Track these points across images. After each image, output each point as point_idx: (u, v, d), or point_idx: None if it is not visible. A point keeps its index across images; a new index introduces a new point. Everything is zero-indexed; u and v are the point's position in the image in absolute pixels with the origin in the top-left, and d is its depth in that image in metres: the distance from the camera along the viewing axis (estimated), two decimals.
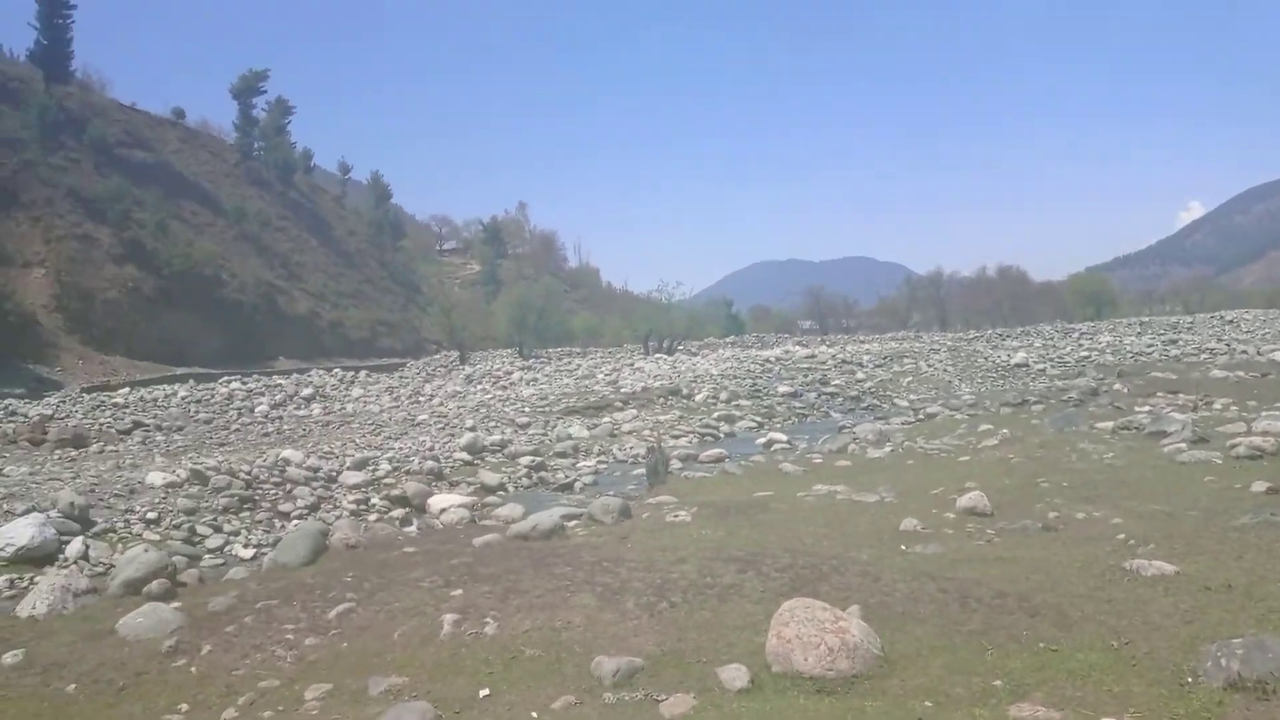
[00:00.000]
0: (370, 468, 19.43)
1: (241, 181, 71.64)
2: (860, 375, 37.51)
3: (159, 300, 51.15)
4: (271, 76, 76.72)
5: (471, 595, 7.28)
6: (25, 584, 12.35)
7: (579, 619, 6.72)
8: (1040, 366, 37.17)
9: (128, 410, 31.11)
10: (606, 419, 27.32)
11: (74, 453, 22.25)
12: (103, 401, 32.90)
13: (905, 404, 30.17)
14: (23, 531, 13.40)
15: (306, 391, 37.52)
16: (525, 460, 20.65)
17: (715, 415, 27.86)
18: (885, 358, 42.55)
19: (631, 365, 48.06)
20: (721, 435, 25.48)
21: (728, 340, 70.80)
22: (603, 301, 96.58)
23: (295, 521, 15.45)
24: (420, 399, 35.54)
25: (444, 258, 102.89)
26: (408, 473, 19.23)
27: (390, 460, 20.21)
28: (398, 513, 16.39)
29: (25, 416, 27.35)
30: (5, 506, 15.39)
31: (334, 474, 18.88)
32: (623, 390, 33.78)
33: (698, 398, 31.94)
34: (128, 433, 26.47)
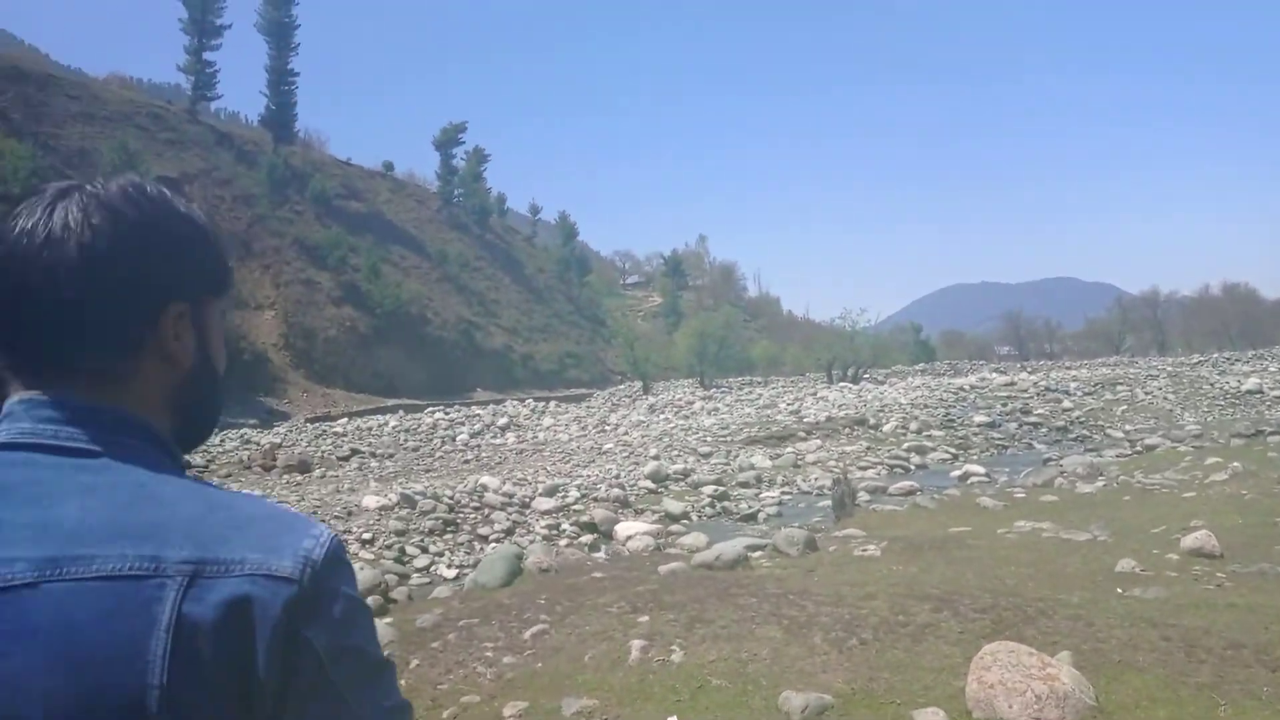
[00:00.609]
0: (560, 494, 20.11)
1: (443, 226, 76.79)
2: (1067, 404, 35.09)
3: (372, 337, 55.49)
4: (469, 127, 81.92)
5: (658, 622, 7.37)
6: None
7: (765, 651, 6.65)
8: (1277, 393, 33.41)
9: (346, 439, 33.80)
10: (790, 449, 26.97)
11: (299, 477, 24.43)
12: (324, 431, 35.93)
13: (1119, 435, 27.93)
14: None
15: (502, 421, 39.37)
16: (708, 489, 20.72)
17: (905, 446, 26.88)
18: (1095, 385, 39.58)
19: (814, 394, 47.23)
20: (912, 467, 24.54)
21: (917, 368, 68.22)
22: (783, 330, 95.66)
23: (493, 544, 16.22)
24: (606, 428, 36.45)
25: (627, 291, 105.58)
26: (595, 500, 19.76)
27: (579, 488, 20.84)
28: (586, 538, 16.88)
29: (258, 444, 30.30)
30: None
31: (527, 500, 19.69)
32: (806, 420, 33.25)
33: (886, 428, 30.93)
34: (346, 459, 28.76)
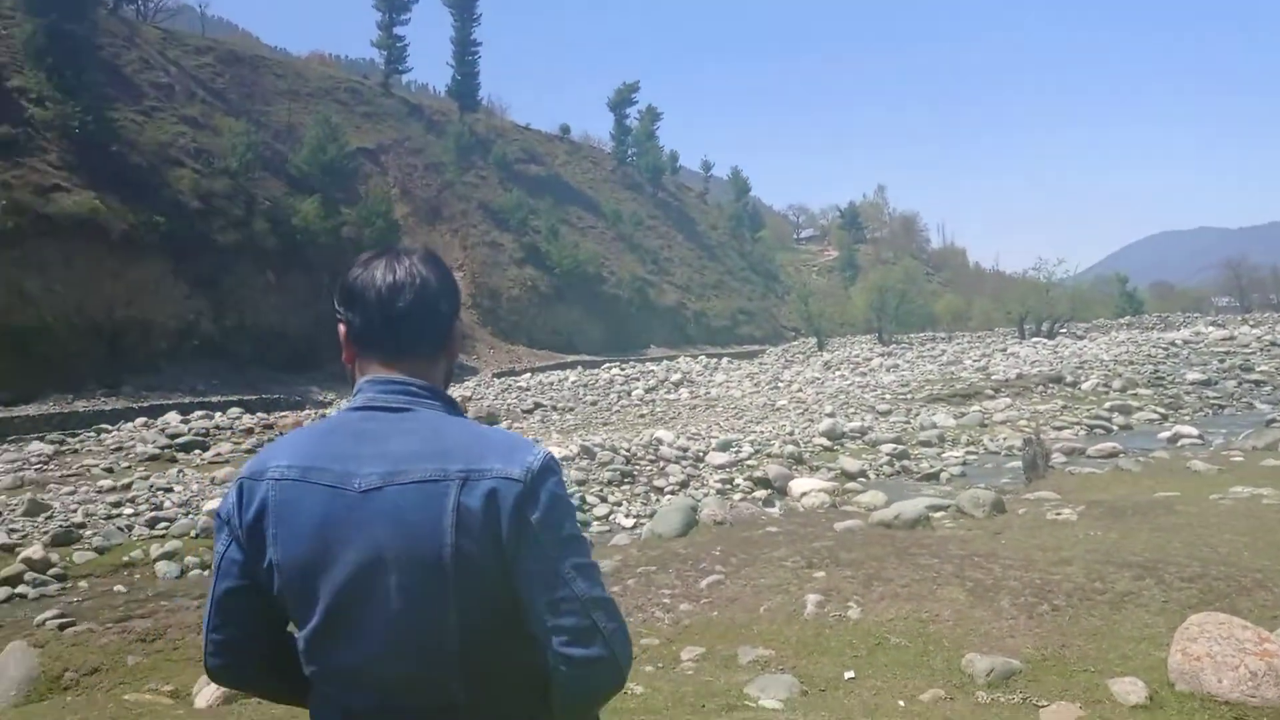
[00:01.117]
0: (734, 450, 20.23)
1: (617, 186, 77.93)
2: None
3: (552, 296, 57.44)
4: (642, 87, 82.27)
5: (834, 578, 7.33)
6: None
7: (947, 613, 6.49)
8: None
9: (529, 393, 35.35)
10: (975, 407, 25.79)
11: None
12: (510, 385, 37.73)
13: None
14: None
15: (675, 377, 39.87)
16: (886, 448, 20.21)
17: (1107, 405, 25.08)
18: None
19: (1004, 350, 44.79)
20: (1114, 428, 22.90)
21: (1122, 321, 63.22)
22: (970, 282, 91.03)
23: (668, 496, 16.59)
24: (779, 385, 36.16)
25: (801, 246, 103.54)
26: (769, 456, 19.74)
27: (752, 443, 20.87)
28: (760, 494, 16.92)
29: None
30: None
31: (701, 454, 19.94)
32: (994, 377, 31.64)
33: (1085, 385, 28.97)
34: (530, 412, 30.13)
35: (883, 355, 47.03)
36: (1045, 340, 50.26)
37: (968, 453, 20.40)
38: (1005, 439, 21.54)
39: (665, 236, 75.92)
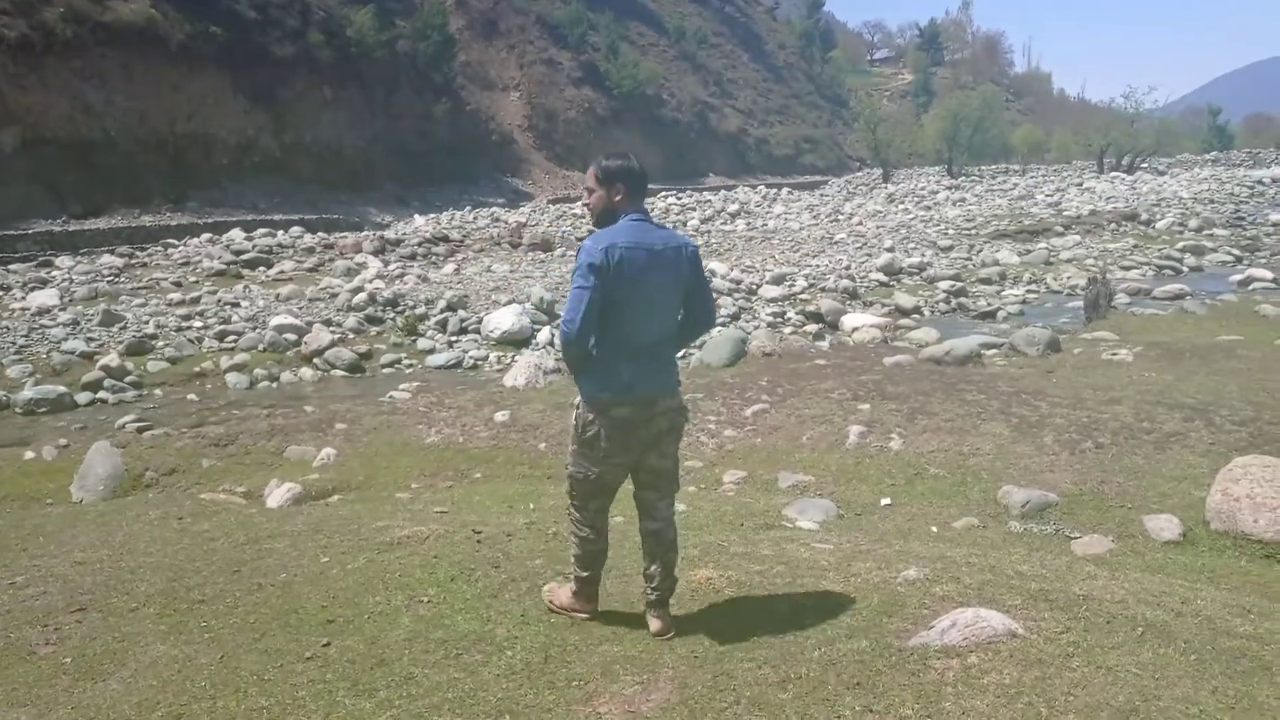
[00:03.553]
0: (787, 283, 20.08)
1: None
2: None
3: (610, 119, 55.91)
4: None
5: (878, 411, 7.41)
6: (509, 360, 14.99)
7: (988, 447, 6.55)
8: None
9: (584, 220, 35.09)
10: (1042, 244, 25.04)
11: (543, 255, 25.90)
12: (564, 212, 37.46)
13: None
14: (506, 319, 16.15)
15: (733, 208, 39.17)
16: (944, 285, 19.87)
17: (1179, 246, 24.15)
18: None
19: (1080, 185, 42.92)
20: (1185, 269, 22.12)
21: (1207, 157, 59.81)
22: (1051, 112, 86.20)
23: (718, 329, 16.68)
24: (839, 218, 35.36)
25: (874, 68, 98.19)
26: (823, 290, 19.57)
27: (806, 277, 20.67)
28: (811, 328, 16.91)
29: (505, 223, 32.20)
30: (493, 297, 18.61)
31: (754, 287, 19.85)
32: (1065, 213, 30.53)
33: (1159, 224, 27.86)
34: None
35: (950, 188, 45.44)
36: (1124, 175, 47.96)
37: (1028, 291, 19.98)
38: (1069, 278, 20.99)
39: (730, 56, 72.51)
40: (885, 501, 5.96)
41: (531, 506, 6.18)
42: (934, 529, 5.52)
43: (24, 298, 18.32)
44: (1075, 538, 5.25)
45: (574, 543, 3.62)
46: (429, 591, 3.97)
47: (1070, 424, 6.80)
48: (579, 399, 3.40)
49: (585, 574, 3.61)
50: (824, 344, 12.95)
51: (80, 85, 30.63)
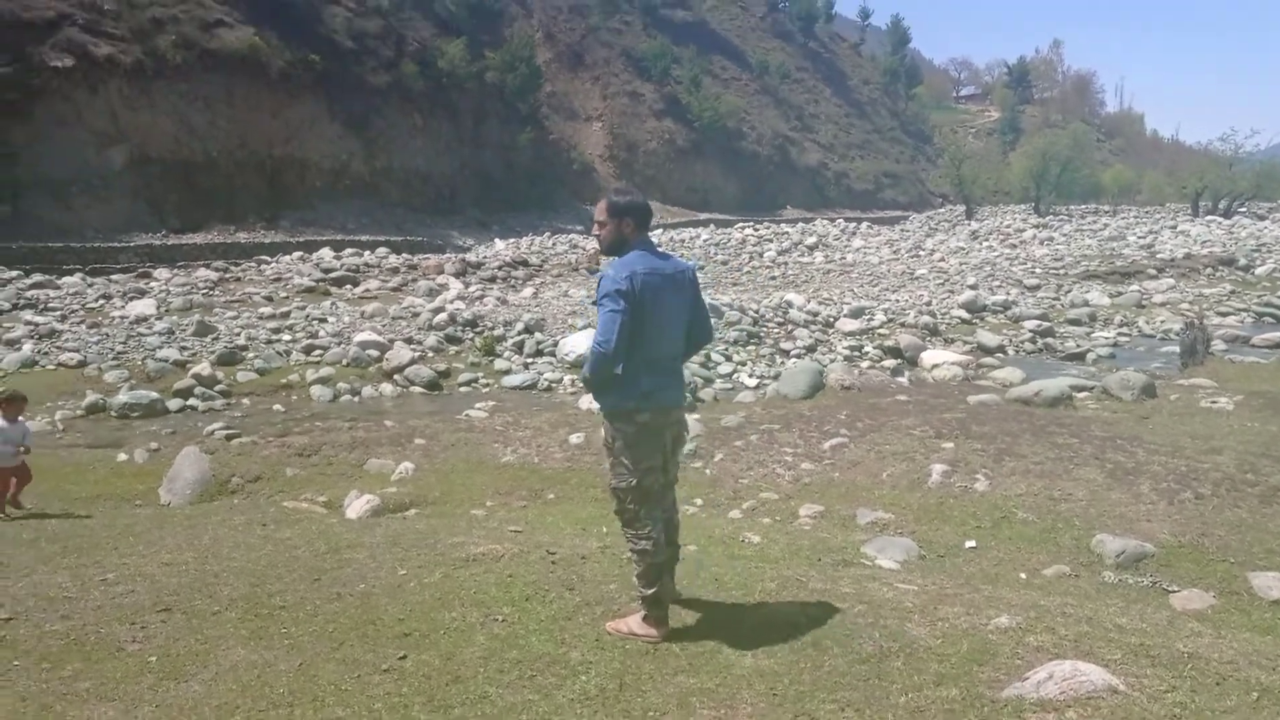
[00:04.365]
0: (866, 317, 19.79)
1: (766, 35, 74.16)
2: None
3: (689, 151, 56.25)
4: None
5: (963, 450, 7.18)
6: (583, 385, 15.06)
7: (1081, 493, 6.28)
8: None
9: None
10: (1134, 287, 24.20)
11: None
12: None
13: None
14: (580, 342, 16.24)
15: (810, 240, 38.90)
16: (1030, 324, 19.32)
17: None
18: None
19: (1174, 227, 41.45)
20: None
21: None
22: (1144, 152, 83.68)
23: (794, 359, 16.50)
24: (920, 253, 34.79)
25: (960, 104, 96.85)
26: (902, 325, 19.22)
27: (886, 311, 20.34)
28: (889, 363, 16.60)
29: (584, 249, 32.54)
30: (569, 321, 18.78)
31: (831, 319, 19.62)
32: (1159, 256, 29.47)
33: (1259, 270, 26.68)
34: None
35: (1037, 227, 44.32)
36: (1221, 219, 46.14)
37: (1119, 334, 19.30)
38: (1163, 322, 20.22)
39: (812, 90, 72.38)
40: (970, 544, 5.75)
41: (605, 530, 6.14)
42: (1023, 575, 5.30)
43: (123, 306, 19.19)
44: (1174, 591, 4.98)
45: (635, 558, 3.66)
46: (504, 610, 3.95)
47: (1168, 472, 6.48)
48: (603, 418, 3.71)
49: (651, 590, 3.61)
50: (904, 379, 12.67)
51: (185, 108, 32.19)
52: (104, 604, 4.24)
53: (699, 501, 6.90)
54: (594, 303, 3.82)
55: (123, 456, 9.05)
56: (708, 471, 7.38)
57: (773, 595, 4.09)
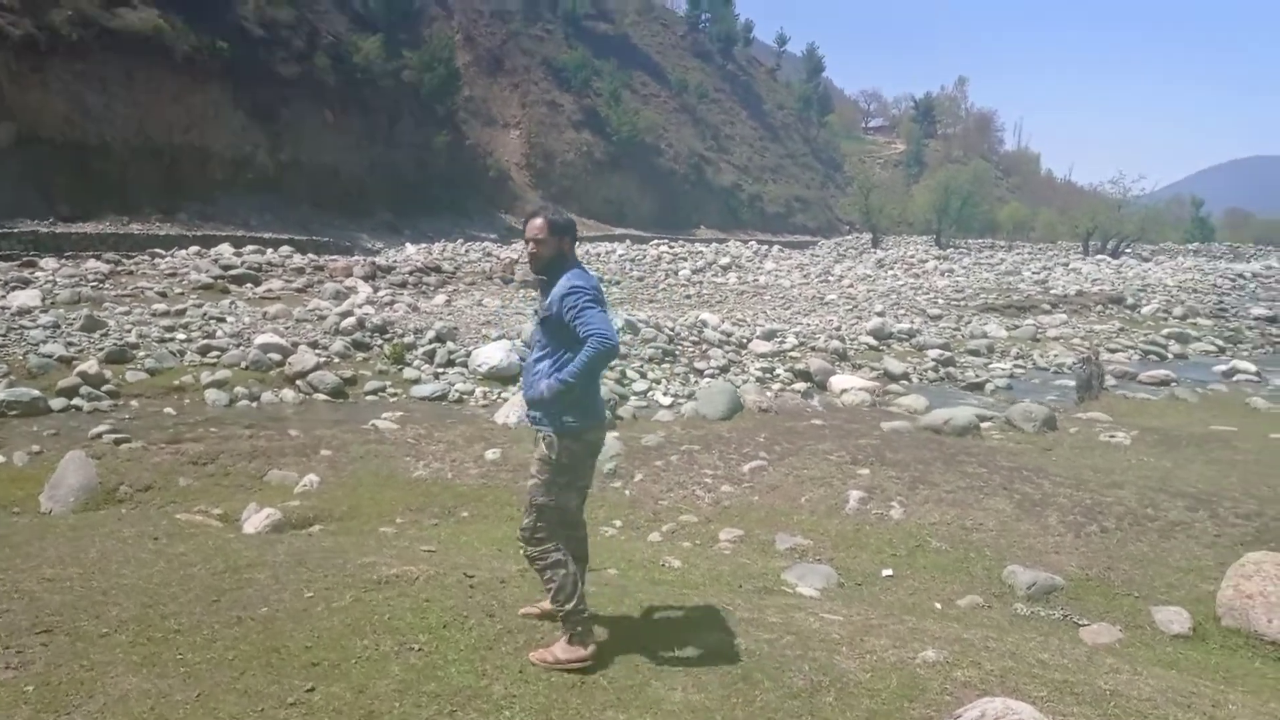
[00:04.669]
0: (778, 339, 20.04)
1: (686, 54, 75.07)
2: None
3: (607, 164, 56.35)
4: None
5: (878, 477, 7.27)
6: (495, 397, 14.76)
7: (991, 522, 6.42)
8: None
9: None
10: (1029, 321, 25.24)
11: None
12: None
13: None
14: (495, 354, 15.95)
15: (724, 260, 39.34)
16: (933, 353, 19.90)
17: (1165, 332, 24.38)
18: None
19: (1066, 265, 43.57)
20: (1170, 355, 22.31)
21: (1190, 247, 61.00)
22: (1038, 191, 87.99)
23: (708, 379, 16.56)
24: (829, 278, 35.59)
25: (868, 135, 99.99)
26: (813, 349, 19.54)
27: (796, 335, 20.65)
28: (800, 386, 16.81)
29: (498, 258, 32.12)
30: (483, 331, 18.43)
31: (745, 341, 19.79)
32: (1052, 291, 30.87)
33: (1145, 309, 28.20)
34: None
35: (939, 258, 45.95)
36: (1109, 259, 48.77)
37: (1015, 365, 20.05)
38: (1056, 355, 21.11)
39: (729, 112, 73.60)
40: (887, 572, 5.79)
41: (522, 552, 5.98)
42: (938, 605, 5.36)
43: (4, 296, 17.93)
44: (1083, 624, 5.11)
45: (549, 575, 3.58)
46: (420, 638, 3.75)
47: (1074, 505, 6.69)
48: (548, 433, 3.56)
49: (572, 603, 3.56)
50: (816, 403, 12.85)
51: (80, 88, 30.48)
52: None
53: (618, 523, 6.78)
54: (540, 318, 3.63)
55: (0, 459, 8.38)
56: (627, 492, 7.27)
57: (699, 625, 4.01)
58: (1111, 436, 9.36)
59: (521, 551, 3.67)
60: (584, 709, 3.21)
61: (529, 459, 7.82)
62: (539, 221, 3.67)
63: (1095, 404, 12.97)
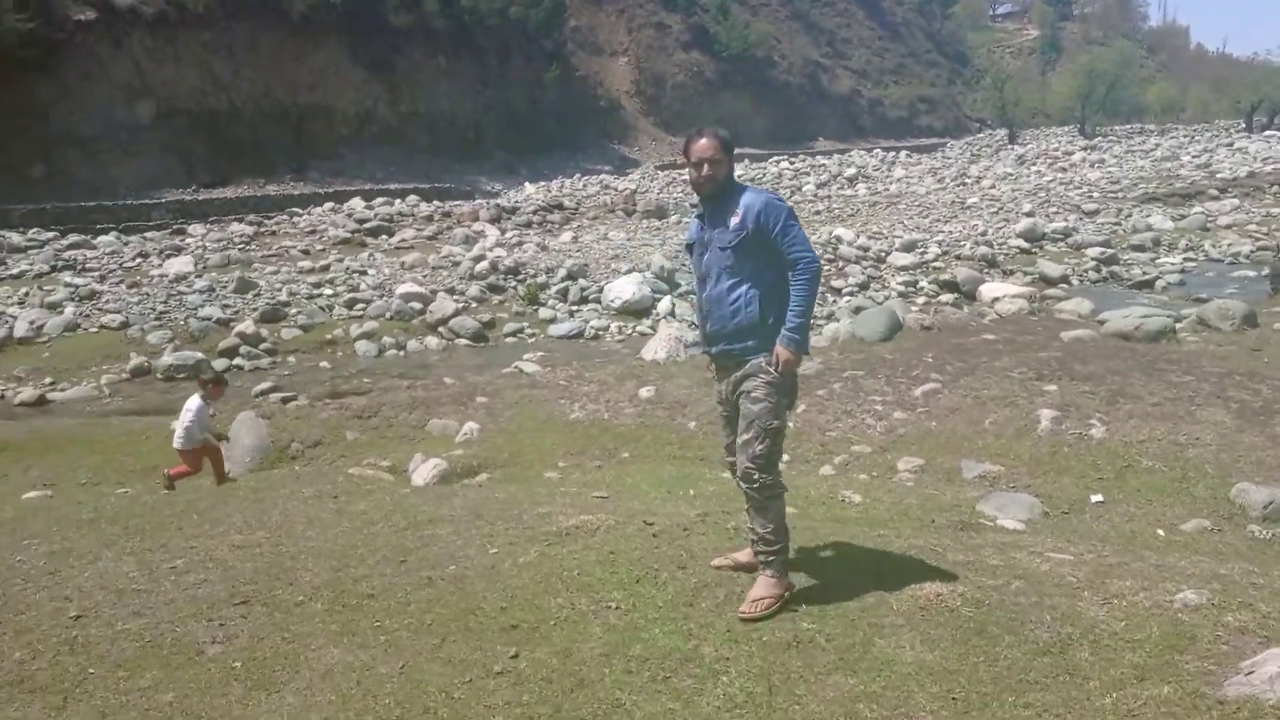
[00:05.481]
0: (919, 250, 19.07)
1: None
2: None
3: (718, 83, 54.67)
4: None
5: (1069, 393, 6.66)
6: (630, 331, 14.61)
7: (1210, 436, 5.76)
8: None
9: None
10: (1197, 209, 23.14)
11: (657, 223, 25.42)
12: (674, 178, 36.81)
13: None
14: (627, 288, 15.77)
15: (850, 172, 37.79)
16: (1093, 252, 18.52)
17: None
18: None
19: (1230, 145, 39.74)
20: None
21: None
22: (1188, 68, 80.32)
23: (847, 297, 15.91)
24: (966, 181, 33.63)
25: (997, 23, 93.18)
26: (958, 258, 18.51)
27: (939, 244, 19.60)
28: (946, 297, 15.97)
29: (617, 189, 31.80)
30: (613, 266, 18.24)
31: (883, 254, 18.92)
32: (1219, 176, 28.19)
33: None
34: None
35: (1086, 149, 42.73)
36: (1279, 134, 44.17)
37: (1186, 259, 18.45)
38: (1230, 245, 19.31)
39: (844, 14, 69.85)
40: (1097, 498, 5.27)
41: (692, 493, 5.74)
42: (1161, 532, 4.83)
43: (161, 265, 18.94)
44: None
45: (776, 510, 3.35)
46: (614, 595, 3.55)
47: None
48: (767, 355, 3.29)
49: (786, 540, 3.39)
50: (985, 317, 12.04)
51: (209, 58, 31.58)
52: (176, 597, 3.88)
53: (786, 457, 6.44)
54: (732, 241, 3.32)
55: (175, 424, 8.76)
56: (791, 424, 6.91)
57: (910, 570, 3.66)
58: None
59: (753, 481, 3.36)
60: (806, 673, 2.94)
61: (686, 399, 7.59)
62: (708, 141, 3.34)
63: None
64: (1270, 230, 20.41)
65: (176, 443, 6.48)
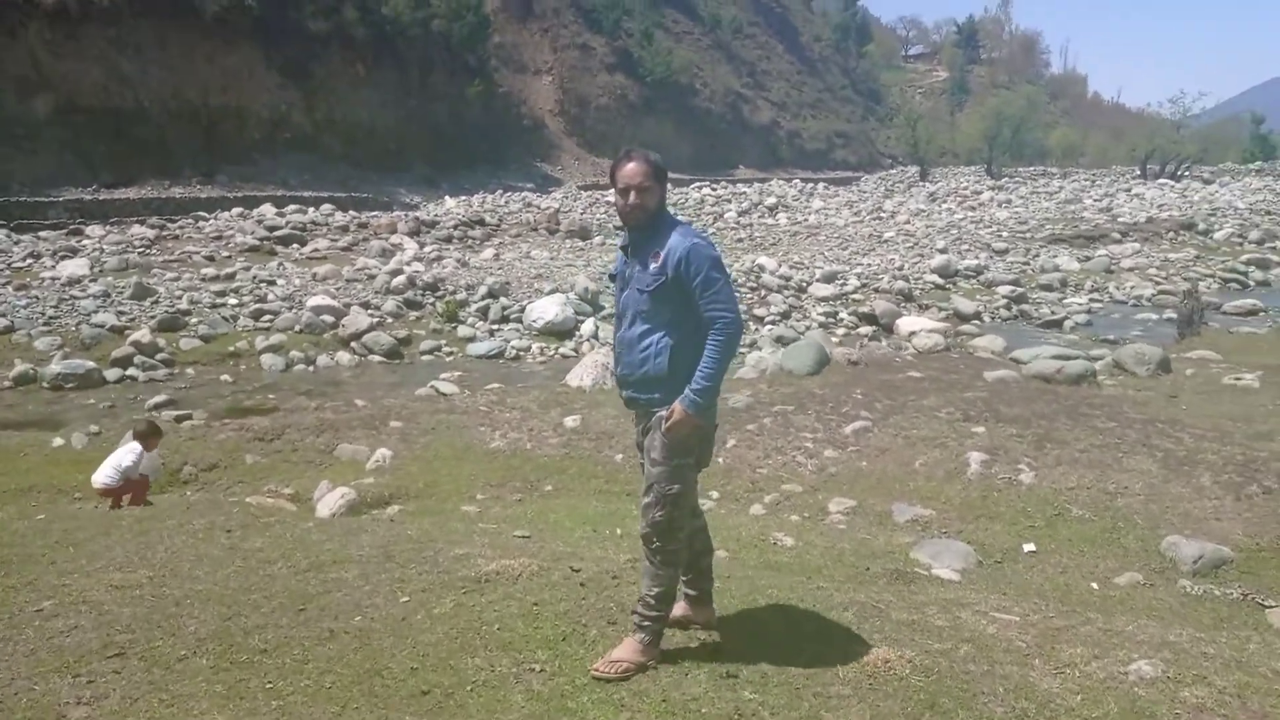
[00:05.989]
0: (839, 282, 19.28)
1: None
2: None
3: (641, 108, 54.91)
4: None
5: (997, 436, 6.64)
6: (552, 353, 14.28)
7: (1138, 486, 5.77)
8: None
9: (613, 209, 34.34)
10: (1101, 252, 24.10)
11: (581, 244, 25.16)
12: (597, 199, 36.64)
13: None
14: (549, 308, 15.44)
15: (770, 201, 38.27)
16: (1004, 290, 19.03)
17: (1244, 258, 23.14)
18: None
19: (1128, 190, 41.76)
20: (1252, 283, 21.18)
21: (1252, 167, 58.18)
22: (1087, 115, 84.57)
23: (769, 326, 15.91)
24: (882, 215, 34.41)
25: (909, 64, 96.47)
26: (876, 290, 18.77)
27: (858, 276, 19.86)
28: (865, 329, 16.14)
29: (539, 208, 31.45)
30: (535, 285, 17.89)
31: (804, 284, 19.06)
32: (1120, 220, 29.50)
33: (1217, 235, 26.83)
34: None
35: (993, 189, 44.30)
36: (1171, 183, 46.67)
37: (1092, 300, 19.11)
38: (1133, 288, 20.12)
39: (764, 47, 71.20)
40: (1029, 547, 5.20)
41: (619, 532, 5.46)
42: (1094, 585, 4.77)
43: (54, 266, 17.74)
44: (1270, 606, 4.48)
45: (665, 578, 3.07)
46: (538, 655, 3.24)
47: (1225, 462, 6.01)
48: (681, 406, 2.97)
49: (665, 610, 3.12)
50: (907, 351, 12.12)
51: (115, 54, 30.07)
52: (39, 646, 3.41)
53: (715, 494, 6.25)
54: (650, 286, 3.03)
55: (59, 441, 8.04)
56: (720, 460, 6.71)
57: (852, 630, 3.45)
58: (1237, 379, 8.59)
59: (651, 544, 3.11)
60: None
61: (613, 430, 7.32)
62: (637, 165, 3.03)
63: (1198, 340, 12.11)
64: (1169, 274, 21.35)
65: (103, 480, 5.95)
